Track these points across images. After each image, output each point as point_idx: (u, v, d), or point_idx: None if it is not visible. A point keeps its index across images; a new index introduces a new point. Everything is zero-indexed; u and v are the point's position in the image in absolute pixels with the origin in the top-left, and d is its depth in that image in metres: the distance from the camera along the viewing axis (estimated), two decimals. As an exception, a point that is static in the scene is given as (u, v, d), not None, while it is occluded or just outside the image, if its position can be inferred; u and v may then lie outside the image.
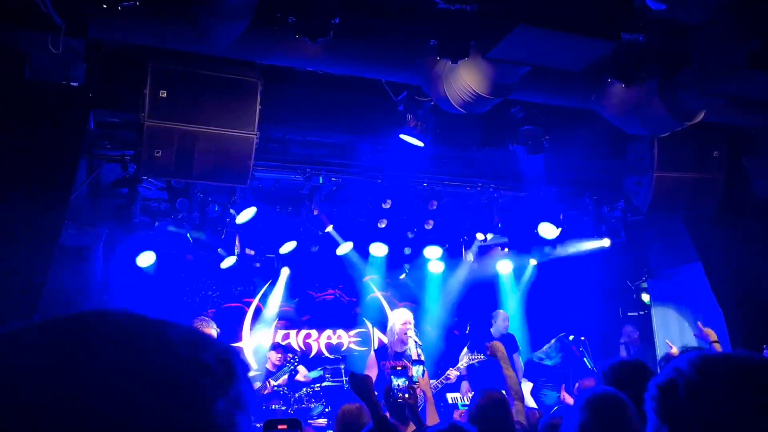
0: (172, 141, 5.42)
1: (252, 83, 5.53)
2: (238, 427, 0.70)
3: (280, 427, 2.22)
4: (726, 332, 7.48)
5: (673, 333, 9.09)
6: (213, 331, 6.00)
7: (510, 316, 9.14)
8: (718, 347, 5.49)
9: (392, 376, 4.10)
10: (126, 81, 5.56)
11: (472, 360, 7.11)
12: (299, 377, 7.16)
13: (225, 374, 0.71)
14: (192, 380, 0.68)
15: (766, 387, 0.96)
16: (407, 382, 4.02)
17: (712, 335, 5.59)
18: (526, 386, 7.38)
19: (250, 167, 5.78)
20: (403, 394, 3.96)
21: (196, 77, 5.39)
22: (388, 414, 4.37)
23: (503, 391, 4.22)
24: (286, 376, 7.73)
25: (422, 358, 5.79)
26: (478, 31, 4.51)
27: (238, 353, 0.77)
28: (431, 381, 6.73)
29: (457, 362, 7.61)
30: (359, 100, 6.30)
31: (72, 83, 5.19)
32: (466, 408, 7.57)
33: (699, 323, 6.01)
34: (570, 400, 7.34)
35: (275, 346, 8.83)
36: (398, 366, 4.13)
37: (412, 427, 4.14)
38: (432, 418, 5.38)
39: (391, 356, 6.72)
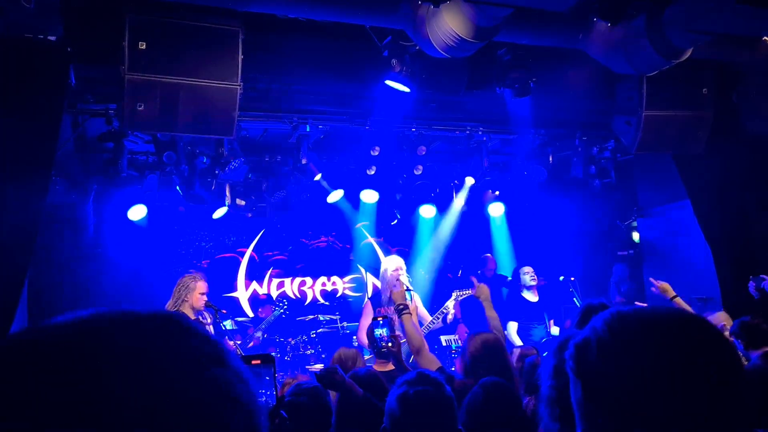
0: (154, 94, 5.36)
1: (233, 32, 5.44)
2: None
3: (254, 362, 2.26)
4: (713, 267, 7.59)
5: (663, 271, 9.21)
6: (205, 284, 6.06)
7: (502, 258, 9.25)
8: (679, 301, 5.30)
9: (374, 326, 4.18)
10: (104, 33, 5.45)
11: (461, 295, 7.20)
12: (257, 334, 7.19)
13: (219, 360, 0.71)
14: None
15: (670, 340, 0.98)
16: (389, 332, 4.11)
17: (669, 291, 5.39)
18: (512, 326, 7.50)
19: (235, 118, 5.74)
20: (386, 344, 4.06)
21: (175, 28, 5.29)
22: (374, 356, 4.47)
23: (495, 334, 4.27)
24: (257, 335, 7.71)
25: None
26: (459, -28, 4.41)
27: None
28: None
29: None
30: (343, 47, 6.21)
31: (50, 37, 5.11)
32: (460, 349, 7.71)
33: (651, 279, 5.76)
34: (556, 331, 7.46)
35: (266, 300, 8.91)
36: (379, 317, 4.21)
37: (391, 365, 4.25)
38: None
39: (384, 302, 6.81)
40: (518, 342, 7.25)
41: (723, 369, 0.96)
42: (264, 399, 2.18)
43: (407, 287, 6.37)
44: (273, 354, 2.42)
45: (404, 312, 4.48)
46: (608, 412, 0.98)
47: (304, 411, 3.04)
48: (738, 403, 0.95)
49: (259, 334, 6.96)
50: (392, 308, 5.61)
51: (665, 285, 5.50)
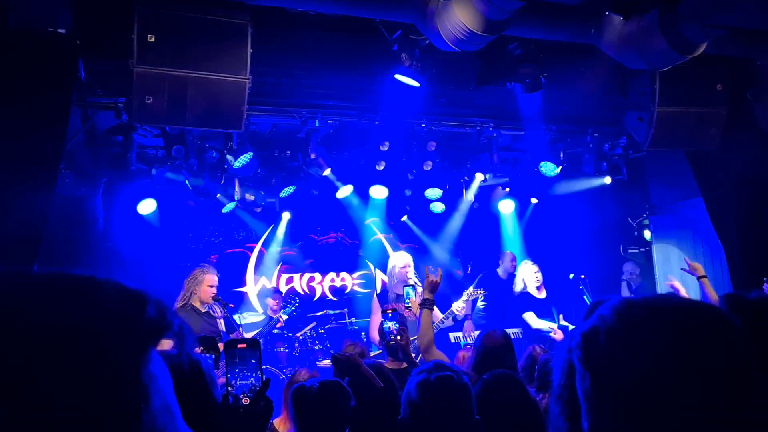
0: (163, 87, 5.34)
1: (242, 25, 5.40)
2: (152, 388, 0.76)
3: (239, 346, 2.27)
4: (726, 267, 7.50)
5: (674, 269, 9.13)
6: (214, 277, 6.05)
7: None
8: (706, 282, 5.49)
9: (383, 320, 4.17)
10: (114, 26, 5.43)
11: (474, 294, 7.16)
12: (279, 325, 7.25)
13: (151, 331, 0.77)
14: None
15: (681, 328, 0.95)
16: (397, 325, 4.10)
17: (700, 270, 5.57)
18: (529, 315, 7.58)
19: (244, 112, 5.71)
20: (395, 336, 4.06)
21: (184, 20, 5.27)
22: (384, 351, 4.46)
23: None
24: (283, 318, 7.74)
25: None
26: (469, -35, 4.36)
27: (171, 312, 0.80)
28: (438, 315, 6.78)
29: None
30: (353, 41, 6.17)
31: (59, 30, 5.10)
32: (469, 346, 7.67)
33: (685, 258, 6.00)
34: (559, 334, 7.41)
35: (273, 292, 8.89)
36: (388, 310, 4.19)
37: (404, 364, 4.24)
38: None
39: (392, 299, 6.77)
40: (541, 325, 7.37)
41: (735, 357, 0.93)
42: (250, 381, 2.19)
43: (415, 282, 6.35)
44: (257, 339, 2.43)
45: (426, 306, 4.47)
46: (617, 402, 0.95)
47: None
48: (751, 392, 0.91)
49: (284, 317, 7.01)
50: (391, 305, 5.60)
51: (697, 264, 5.66)
